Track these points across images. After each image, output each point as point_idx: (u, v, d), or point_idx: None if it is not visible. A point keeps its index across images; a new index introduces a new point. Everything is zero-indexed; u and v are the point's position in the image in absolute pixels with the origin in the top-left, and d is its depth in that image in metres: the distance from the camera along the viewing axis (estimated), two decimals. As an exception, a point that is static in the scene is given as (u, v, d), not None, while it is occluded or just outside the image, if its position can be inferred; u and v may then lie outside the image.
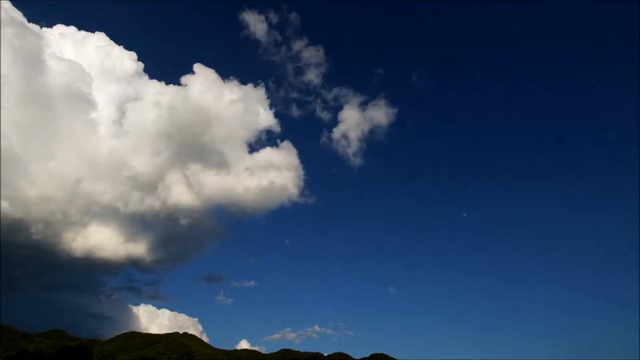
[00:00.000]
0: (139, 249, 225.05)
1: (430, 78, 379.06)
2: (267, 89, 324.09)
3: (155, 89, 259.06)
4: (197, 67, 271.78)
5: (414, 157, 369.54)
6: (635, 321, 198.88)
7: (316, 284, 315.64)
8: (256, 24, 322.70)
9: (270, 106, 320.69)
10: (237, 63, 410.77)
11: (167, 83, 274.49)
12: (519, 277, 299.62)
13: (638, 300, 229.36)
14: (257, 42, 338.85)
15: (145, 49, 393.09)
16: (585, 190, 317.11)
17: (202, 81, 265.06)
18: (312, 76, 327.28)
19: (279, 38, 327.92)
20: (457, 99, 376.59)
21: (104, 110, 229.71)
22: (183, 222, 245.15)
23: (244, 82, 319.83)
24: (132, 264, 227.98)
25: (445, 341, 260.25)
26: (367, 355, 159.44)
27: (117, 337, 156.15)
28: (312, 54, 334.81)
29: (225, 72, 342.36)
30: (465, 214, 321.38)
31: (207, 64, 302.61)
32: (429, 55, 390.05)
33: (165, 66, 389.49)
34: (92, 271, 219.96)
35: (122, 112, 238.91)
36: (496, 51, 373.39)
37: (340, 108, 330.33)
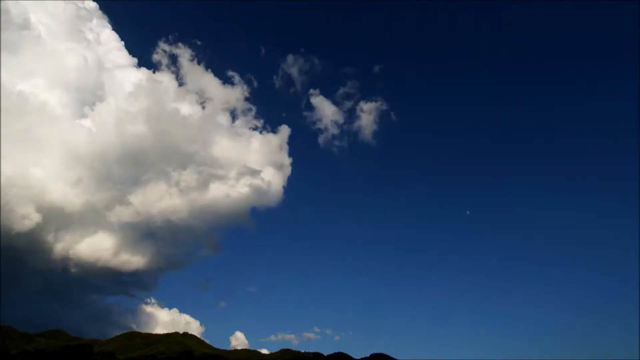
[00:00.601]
0: (133, 253, 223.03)
1: (433, 76, 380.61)
2: (256, 88, 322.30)
3: (133, 82, 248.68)
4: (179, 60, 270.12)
5: (413, 155, 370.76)
6: (635, 321, 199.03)
7: (315, 284, 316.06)
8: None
9: (257, 105, 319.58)
10: (224, 62, 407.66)
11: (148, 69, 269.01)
12: (518, 277, 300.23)
13: (638, 300, 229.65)
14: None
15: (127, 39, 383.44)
16: (586, 190, 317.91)
17: (185, 77, 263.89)
18: (305, 74, 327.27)
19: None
20: (459, 98, 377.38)
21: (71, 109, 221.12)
22: (173, 227, 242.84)
23: (229, 82, 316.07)
24: (129, 268, 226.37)
25: (445, 341, 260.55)
26: (367, 355, 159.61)
27: (117, 337, 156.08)
28: (302, 52, 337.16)
29: (212, 70, 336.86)
30: (468, 212, 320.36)
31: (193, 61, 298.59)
32: (430, 54, 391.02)
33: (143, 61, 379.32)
34: (90, 274, 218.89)
35: (91, 110, 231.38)
36: (498, 49, 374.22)
37: (337, 106, 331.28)
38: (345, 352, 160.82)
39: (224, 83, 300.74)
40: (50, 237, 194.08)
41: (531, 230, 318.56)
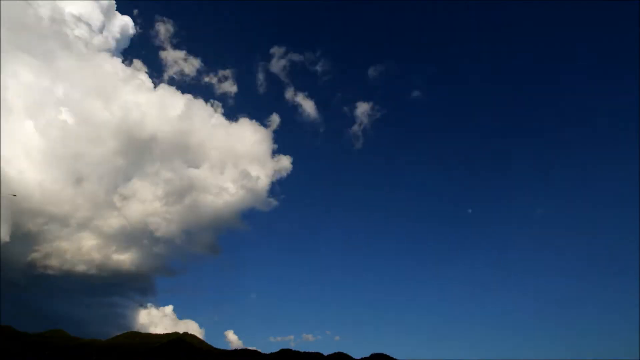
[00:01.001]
0: (133, 255, 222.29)
1: (431, 75, 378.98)
2: (248, 85, 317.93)
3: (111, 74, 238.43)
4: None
5: (412, 155, 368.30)
6: (635, 321, 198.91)
7: (314, 284, 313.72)
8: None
9: (249, 102, 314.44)
10: (216, 58, 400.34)
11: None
12: (519, 277, 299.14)
13: (638, 300, 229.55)
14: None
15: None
16: (587, 190, 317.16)
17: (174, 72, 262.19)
18: (300, 73, 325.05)
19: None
20: (461, 96, 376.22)
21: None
22: (172, 228, 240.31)
23: (221, 78, 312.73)
24: (128, 269, 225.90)
25: (446, 341, 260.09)
26: (367, 355, 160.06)
27: (117, 337, 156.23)
28: (298, 50, 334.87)
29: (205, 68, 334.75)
30: (470, 210, 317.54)
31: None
32: (429, 54, 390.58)
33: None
34: (89, 275, 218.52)
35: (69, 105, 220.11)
36: (498, 49, 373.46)
37: (334, 104, 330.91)
38: (345, 352, 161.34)
39: (219, 82, 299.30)
40: (48, 239, 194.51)
41: (532, 230, 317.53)
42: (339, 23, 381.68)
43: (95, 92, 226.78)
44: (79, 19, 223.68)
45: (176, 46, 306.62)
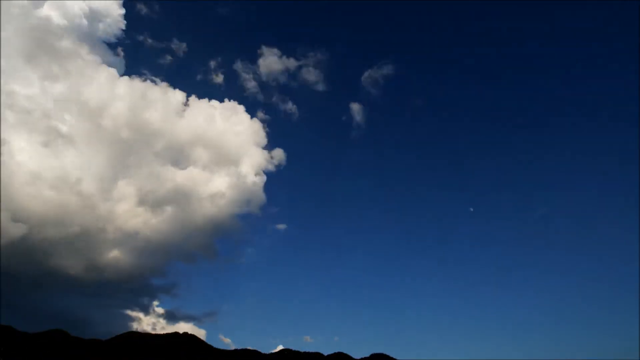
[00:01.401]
0: (131, 255, 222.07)
1: (434, 74, 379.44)
2: (239, 83, 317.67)
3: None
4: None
5: (415, 152, 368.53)
6: (635, 321, 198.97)
7: (314, 284, 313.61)
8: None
9: (241, 101, 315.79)
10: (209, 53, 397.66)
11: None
12: (519, 277, 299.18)
13: (638, 300, 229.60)
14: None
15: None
16: (588, 189, 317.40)
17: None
18: (293, 71, 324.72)
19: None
20: (461, 95, 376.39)
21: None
22: (170, 229, 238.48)
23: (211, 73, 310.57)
24: (127, 270, 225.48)
25: (446, 341, 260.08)
26: (367, 355, 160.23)
27: (117, 337, 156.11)
28: (293, 49, 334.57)
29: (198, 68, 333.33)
30: (472, 209, 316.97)
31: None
32: (430, 53, 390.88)
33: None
34: (89, 276, 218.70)
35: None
36: (499, 48, 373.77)
37: (330, 102, 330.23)
38: (345, 352, 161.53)
39: (209, 76, 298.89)
40: (46, 239, 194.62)
41: (533, 230, 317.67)
42: (336, 22, 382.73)
43: (76, 88, 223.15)
44: (61, 27, 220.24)
45: (163, 37, 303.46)
